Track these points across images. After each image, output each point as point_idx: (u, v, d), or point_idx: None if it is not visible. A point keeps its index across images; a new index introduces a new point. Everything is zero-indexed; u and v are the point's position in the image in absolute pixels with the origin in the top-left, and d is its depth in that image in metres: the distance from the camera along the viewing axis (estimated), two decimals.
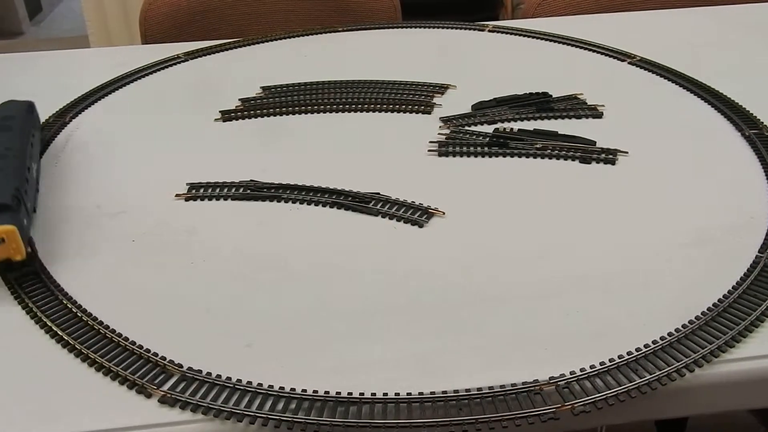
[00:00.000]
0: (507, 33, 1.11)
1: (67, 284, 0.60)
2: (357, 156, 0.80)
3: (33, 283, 0.60)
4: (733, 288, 0.57)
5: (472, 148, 0.78)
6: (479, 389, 0.48)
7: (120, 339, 0.53)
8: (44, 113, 0.89)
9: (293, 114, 0.89)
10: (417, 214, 0.67)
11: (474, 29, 1.13)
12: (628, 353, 0.50)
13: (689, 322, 0.53)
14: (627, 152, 0.76)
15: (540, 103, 0.87)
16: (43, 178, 0.76)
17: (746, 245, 0.61)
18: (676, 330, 0.52)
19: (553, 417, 0.46)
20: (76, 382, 0.50)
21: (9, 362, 0.52)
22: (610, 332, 0.53)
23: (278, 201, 0.71)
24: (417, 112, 0.88)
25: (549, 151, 0.77)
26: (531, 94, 0.89)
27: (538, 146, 0.78)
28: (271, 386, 0.49)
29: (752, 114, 0.82)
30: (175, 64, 1.04)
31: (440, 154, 0.78)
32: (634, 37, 1.06)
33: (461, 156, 0.78)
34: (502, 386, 0.48)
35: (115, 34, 2.36)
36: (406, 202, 0.69)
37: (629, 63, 0.98)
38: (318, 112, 0.89)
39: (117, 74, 1.00)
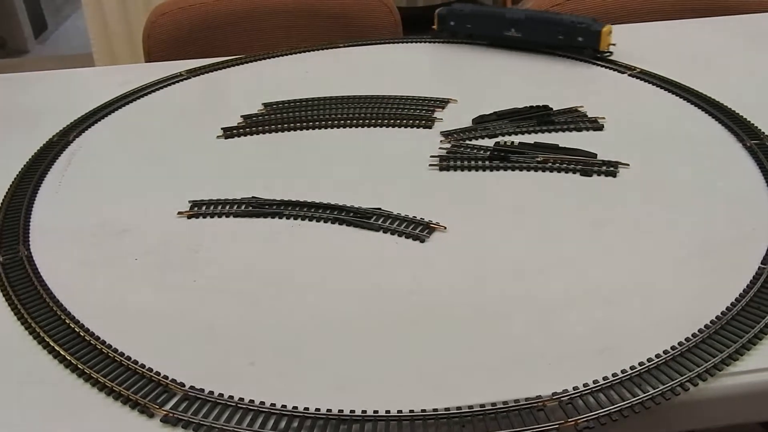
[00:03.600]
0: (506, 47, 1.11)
1: (70, 303, 0.60)
2: (358, 171, 0.80)
3: (35, 302, 0.60)
4: (736, 300, 0.56)
5: (473, 162, 0.78)
6: (482, 405, 0.48)
7: (122, 358, 0.53)
8: (48, 132, 0.90)
9: (295, 130, 0.89)
10: (418, 229, 0.67)
11: (474, 43, 1.13)
12: (632, 368, 0.50)
13: (692, 335, 0.53)
14: (628, 164, 0.76)
15: (540, 116, 0.87)
16: (47, 196, 0.77)
17: (748, 256, 0.61)
18: (680, 344, 0.52)
19: None
20: (78, 402, 0.50)
21: (10, 382, 0.52)
22: (613, 346, 0.53)
23: (280, 218, 0.71)
24: (418, 127, 0.88)
25: (550, 164, 0.77)
26: (531, 107, 0.89)
27: (539, 159, 0.78)
28: (273, 404, 0.49)
29: (753, 124, 0.82)
30: (177, 81, 1.05)
31: (441, 169, 0.78)
32: (634, 49, 1.06)
33: (462, 170, 0.78)
34: (504, 402, 0.48)
35: (119, 52, 2.38)
36: (407, 217, 0.69)
37: (629, 75, 0.99)
38: (319, 128, 0.89)
39: (120, 93, 1.01)
